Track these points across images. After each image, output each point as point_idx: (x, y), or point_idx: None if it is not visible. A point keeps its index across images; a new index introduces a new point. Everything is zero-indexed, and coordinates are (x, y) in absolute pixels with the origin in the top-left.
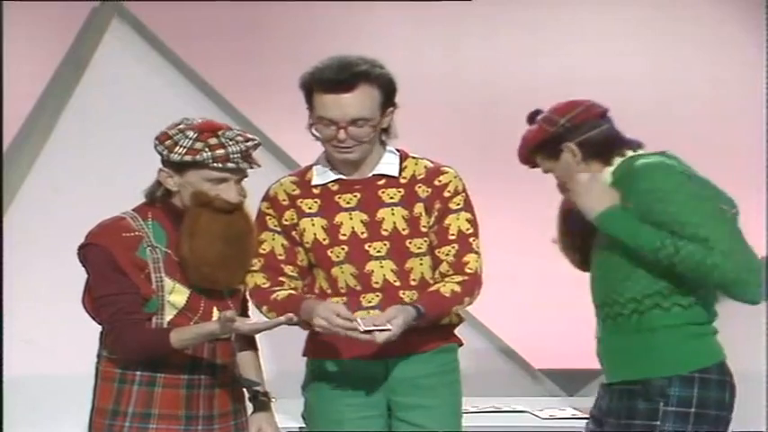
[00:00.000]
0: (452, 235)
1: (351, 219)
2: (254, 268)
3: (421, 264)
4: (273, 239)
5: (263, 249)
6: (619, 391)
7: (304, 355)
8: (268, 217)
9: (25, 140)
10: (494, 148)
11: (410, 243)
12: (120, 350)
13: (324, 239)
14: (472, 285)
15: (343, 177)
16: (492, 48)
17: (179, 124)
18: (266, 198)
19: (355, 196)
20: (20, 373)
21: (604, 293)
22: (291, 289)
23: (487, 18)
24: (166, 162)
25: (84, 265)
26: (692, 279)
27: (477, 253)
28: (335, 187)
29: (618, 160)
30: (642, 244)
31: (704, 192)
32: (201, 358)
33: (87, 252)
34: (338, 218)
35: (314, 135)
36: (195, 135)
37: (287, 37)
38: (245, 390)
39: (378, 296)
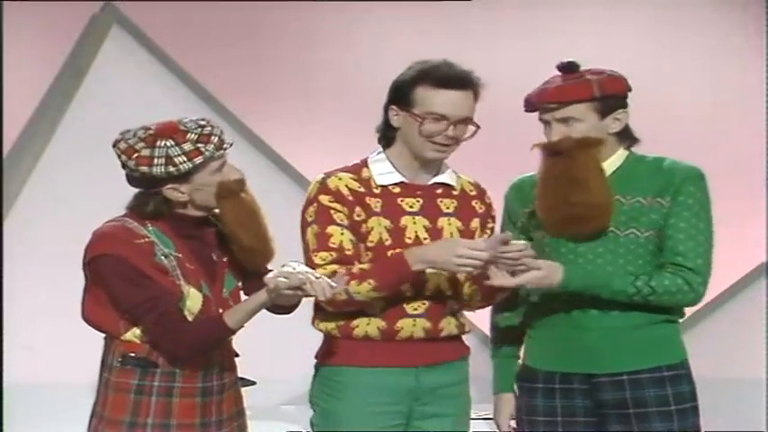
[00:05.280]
0: None
1: (414, 223)
2: (324, 262)
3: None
4: (342, 234)
5: (333, 243)
6: (654, 379)
7: (330, 362)
8: (333, 211)
9: (25, 147)
10: (494, 150)
11: None
12: (180, 349)
13: (386, 240)
14: None
15: (406, 181)
16: (492, 49)
17: (133, 147)
18: (327, 191)
19: (418, 201)
20: (20, 380)
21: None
22: None
23: (488, 19)
24: (167, 179)
25: (95, 278)
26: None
27: None
28: (397, 190)
29: (624, 150)
30: (616, 293)
31: None
32: (212, 362)
33: (102, 264)
34: (403, 221)
35: (392, 125)
36: (174, 142)
37: (286, 45)
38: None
39: (425, 304)
